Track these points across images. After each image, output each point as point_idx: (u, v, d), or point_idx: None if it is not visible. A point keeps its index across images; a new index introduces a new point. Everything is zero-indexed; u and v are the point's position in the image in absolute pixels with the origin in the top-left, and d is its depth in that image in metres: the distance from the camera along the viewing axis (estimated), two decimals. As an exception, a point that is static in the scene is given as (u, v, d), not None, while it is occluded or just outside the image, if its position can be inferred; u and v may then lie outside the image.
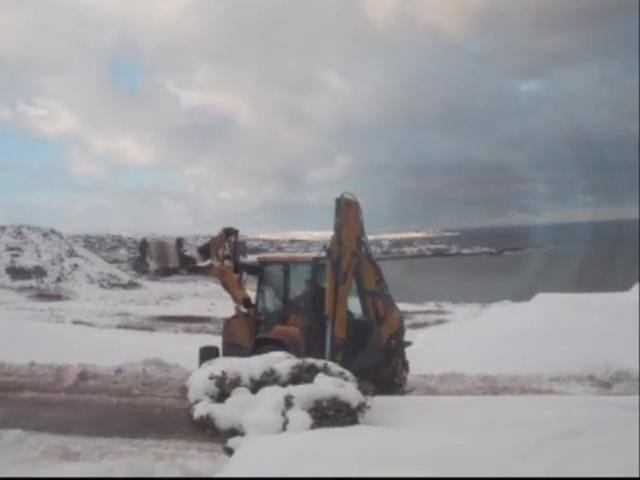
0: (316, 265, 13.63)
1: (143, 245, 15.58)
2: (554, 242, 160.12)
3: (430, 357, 18.14)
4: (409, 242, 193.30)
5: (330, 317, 12.23)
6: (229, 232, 15.15)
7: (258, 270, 14.62)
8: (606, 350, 15.38)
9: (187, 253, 15.40)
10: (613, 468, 4.73)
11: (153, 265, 15.42)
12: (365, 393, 7.99)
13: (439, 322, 42.66)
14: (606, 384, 14.12)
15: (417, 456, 5.54)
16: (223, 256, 14.83)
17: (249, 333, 14.19)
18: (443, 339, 25.39)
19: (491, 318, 30.16)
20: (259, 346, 13.01)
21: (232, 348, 14.10)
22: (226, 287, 14.83)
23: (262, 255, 17.63)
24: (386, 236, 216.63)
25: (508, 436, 5.83)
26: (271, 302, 14.51)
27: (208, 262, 15.15)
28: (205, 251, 15.37)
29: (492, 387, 14.19)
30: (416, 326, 38.76)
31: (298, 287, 14.12)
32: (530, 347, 17.56)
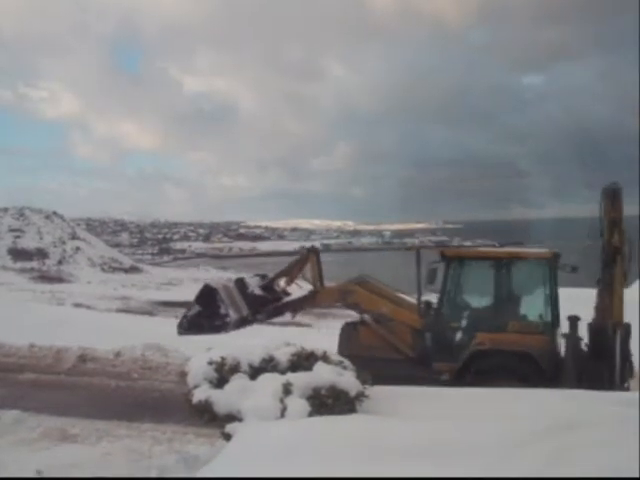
0: (554, 262, 11.98)
1: (207, 292, 11.87)
2: (555, 237, 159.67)
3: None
4: (411, 233, 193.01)
5: (617, 326, 10.93)
6: (314, 251, 12.97)
7: (446, 265, 12.50)
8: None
9: (257, 292, 12.51)
10: (609, 461, 4.75)
11: (234, 315, 11.91)
12: (364, 382, 8.00)
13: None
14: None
15: (413, 447, 5.56)
16: (319, 276, 12.68)
17: (403, 343, 12.06)
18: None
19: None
20: (474, 360, 11.16)
21: (369, 362, 10.46)
22: (356, 306, 12.55)
23: (445, 247, 13.86)
24: (387, 226, 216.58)
25: (506, 428, 5.86)
26: (463, 305, 12.61)
27: (304, 290, 12.69)
28: (269, 288, 12.93)
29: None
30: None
31: (523, 287, 12.39)
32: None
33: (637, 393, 12.08)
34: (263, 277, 13.23)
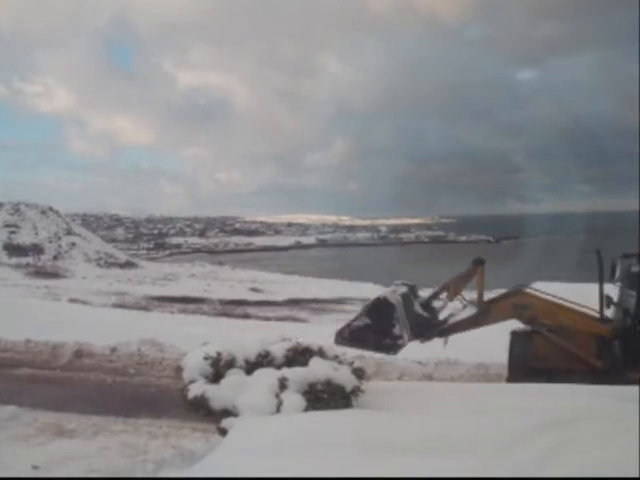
0: None
1: (382, 306, 10.54)
2: (551, 232, 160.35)
3: (425, 343, 18.13)
4: (406, 228, 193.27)
5: None
6: (481, 263, 11.90)
7: None
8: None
9: (420, 312, 11.38)
10: (607, 456, 4.76)
11: (406, 337, 10.77)
12: (359, 377, 8.01)
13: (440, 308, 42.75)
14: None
15: (409, 441, 5.57)
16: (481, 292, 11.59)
17: (587, 352, 10.99)
18: (438, 326, 25.42)
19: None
20: None
21: (547, 374, 10.67)
22: (532, 320, 11.38)
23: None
24: (383, 221, 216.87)
25: (503, 422, 5.87)
26: None
27: (469, 310, 11.61)
28: (428, 304, 11.96)
29: (486, 375, 14.25)
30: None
31: None
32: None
33: (636, 387, 12.13)
34: (411, 287, 12.06)
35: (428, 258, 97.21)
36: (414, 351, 15.47)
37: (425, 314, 11.39)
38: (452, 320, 11.41)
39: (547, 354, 11.10)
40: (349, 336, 10.75)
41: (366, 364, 13.31)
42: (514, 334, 11.65)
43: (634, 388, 10.24)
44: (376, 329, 10.61)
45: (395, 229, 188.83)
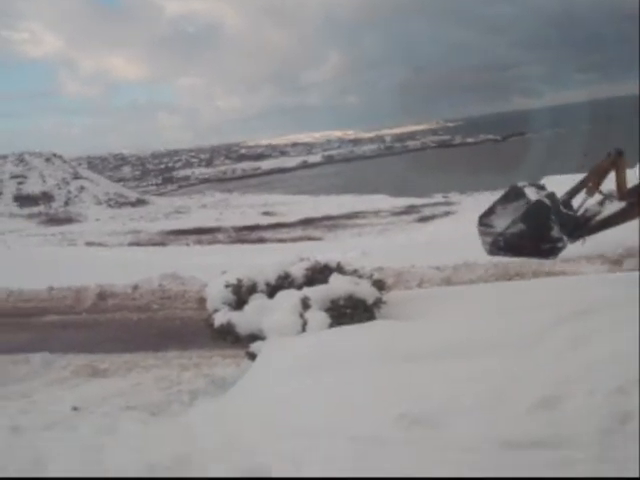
0: None
1: (537, 210, 9.68)
2: (555, 125, 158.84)
3: (441, 248, 18.27)
4: (412, 136, 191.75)
5: None
6: (620, 154, 10.22)
7: None
8: (614, 228, 15.39)
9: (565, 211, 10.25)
10: (624, 345, 4.84)
11: (566, 239, 10.03)
12: (380, 289, 8.11)
13: (447, 214, 42.75)
14: (616, 261, 14.21)
15: (430, 347, 5.67)
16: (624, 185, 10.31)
17: None
18: (452, 230, 25.47)
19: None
20: None
21: None
22: None
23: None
24: (387, 131, 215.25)
25: (520, 320, 5.95)
26: None
27: (617, 204, 10.25)
28: (567, 203, 10.54)
29: (505, 273, 14.30)
30: (425, 219, 38.89)
31: None
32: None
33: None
34: (539, 187, 10.93)
35: (435, 163, 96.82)
36: (430, 258, 15.62)
37: (571, 213, 10.40)
38: (603, 215, 10.28)
39: None
40: (504, 245, 10.08)
41: (385, 275, 13.48)
42: None
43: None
44: (533, 234, 9.98)
45: (400, 138, 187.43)
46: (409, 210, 46.64)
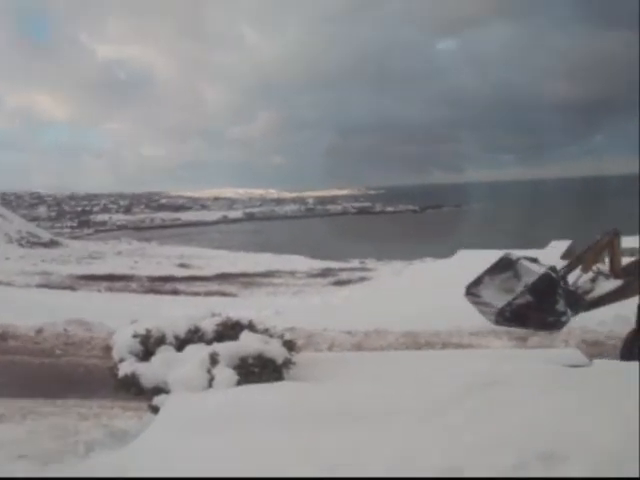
0: None
1: (545, 283, 10.37)
2: (474, 200, 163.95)
3: (354, 314, 18.39)
4: (334, 200, 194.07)
5: None
6: (617, 234, 11.15)
7: None
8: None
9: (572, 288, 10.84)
10: (528, 417, 4.93)
11: (569, 312, 10.49)
12: (290, 349, 8.07)
13: (363, 279, 43.08)
14: (522, 338, 14.59)
15: (343, 410, 5.66)
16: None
17: None
18: (367, 296, 25.70)
19: (414, 275, 30.67)
20: None
21: None
22: None
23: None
24: (310, 193, 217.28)
25: (429, 388, 6.00)
26: None
27: (614, 282, 10.90)
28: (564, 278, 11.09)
29: (415, 342, 14.49)
30: (340, 283, 39.08)
31: None
32: (451, 303, 17.89)
33: (557, 350, 12.52)
34: (532, 259, 11.54)
35: (355, 229, 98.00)
36: (343, 322, 15.71)
37: (571, 288, 10.78)
38: (597, 293, 10.81)
39: None
40: (511, 316, 10.27)
41: (296, 336, 13.46)
42: None
43: (557, 350, 10.55)
44: (539, 307, 10.28)
45: (322, 201, 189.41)
46: (326, 273, 46.89)
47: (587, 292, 10.60)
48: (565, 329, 14.33)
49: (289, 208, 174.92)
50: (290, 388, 6.76)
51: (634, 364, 6.86)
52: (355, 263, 57.20)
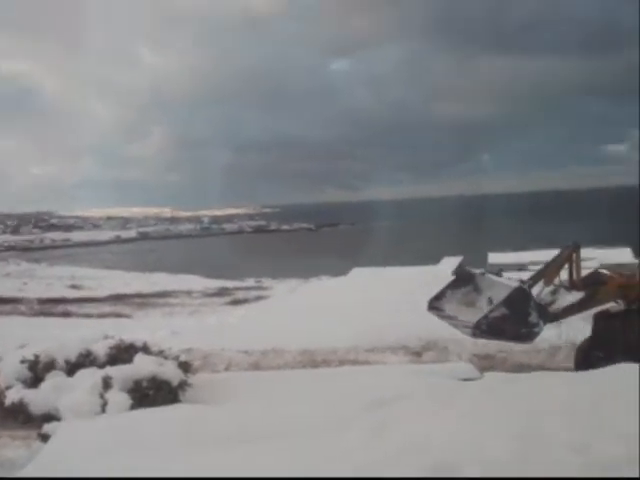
0: None
1: (519, 296, 10.82)
2: (370, 218, 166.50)
3: (251, 333, 18.27)
4: (229, 219, 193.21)
5: None
6: (577, 247, 11.78)
7: None
8: (418, 320, 16.15)
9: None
10: (426, 430, 5.00)
11: (542, 324, 10.91)
12: (186, 371, 7.97)
13: (259, 298, 42.98)
14: (418, 353, 14.84)
15: (235, 431, 5.60)
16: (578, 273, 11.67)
17: None
18: (263, 314, 25.63)
19: (310, 293, 30.78)
20: None
21: None
22: (634, 299, 11.56)
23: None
24: (205, 212, 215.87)
25: (326, 407, 6.02)
26: None
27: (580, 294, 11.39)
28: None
29: (311, 360, 14.50)
30: (237, 302, 38.84)
31: None
32: (347, 320, 18.07)
33: (451, 364, 12.82)
34: (498, 273, 12.21)
35: (250, 248, 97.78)
36: (239, 342, 15.60)
37: (540, 302, 11.16)
38: (560, 305, 11.23)
39: None
40: (487, 328, 10.58)
41: (193, 357, 13.29)
42: (604, 316, 11.82)
43: (451, 364, 10.79)
44: (513, 319, 10.60)
45: (218, 220, 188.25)
46: (222, 292, 46.45)
47: (549, 304, 11.04)
48: (457, 344, 14.82)
49: (184, 227, 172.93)
50: (185, 410, 6.67)
51: (524, 376, 7.11)
52: (251, 282, 57.00)
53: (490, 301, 10.90)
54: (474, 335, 10.79)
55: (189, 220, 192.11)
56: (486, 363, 13.72)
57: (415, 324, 15.92)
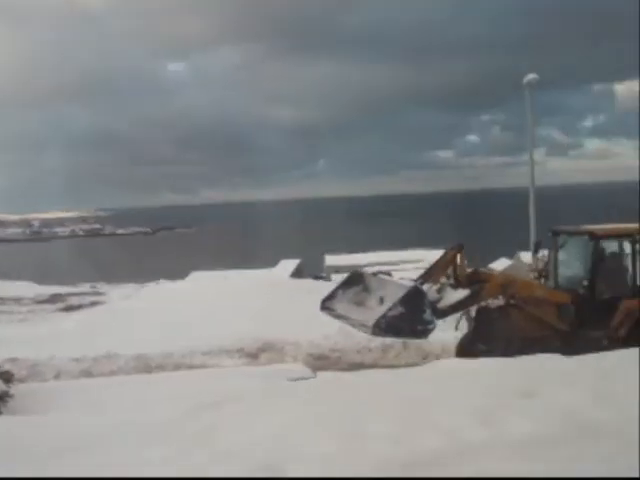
0: None
1: (413, 295, 11.36)
2: (206, 221, 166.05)
3: (84, 339, 17.68)
4: (61, 222, 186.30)
5: None
6: (460, 248, 12.71)
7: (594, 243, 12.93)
8: (254, 324, 16.22)
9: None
10: (255, 431, 5.00)
11: (435, 321, 11.59)
12: (7, 381, 7.60)
13: (94, 304, 41.72)
14: (254, 355, 14.89)
15: (61, 444, 5.38)
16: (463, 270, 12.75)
17: (555, 319, 12.54)
18: (98, 320, 24.86)
19: (146, 297, 30.18)
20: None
21: (521, 342, 11.85)
22: (512, 295, 12.76)
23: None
24: (36, 215, 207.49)
25: (155, 412, 5.91)
26: (611, 277, 13.10)
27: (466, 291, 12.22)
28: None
29: (146, 365, 14.21)
30: (70, 309, 37.51)
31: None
32: (183, 324, 17.85)
33: (284, 365, 12.96)
34: (388, 273, 13.21)
35: (84, 252, 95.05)
36: (71, 349, 15.06)
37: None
38: (448, 302, 11.94)
39: (523, 324, 12.48)
40: (385, 327, 11.06)
41: (19, 367, 12.71)
42: (483, 311, 12.87)
43: (285, 366, 10.87)
44: (410, 317, 11.18)
45: (49, 223, 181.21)
46: (54, 299, 44.67)
47: (436, 302, 11.78)
48: (294, 345, 15.02)
49: (12, 231, 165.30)
50: (5, 423, 6.34)
51: (354, 374, 7.29)
52: (85, 287, 55.15)
53: (381, 300, 11.62)
54: (374, 333, 11.47)
55: (17, 224, 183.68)
56: (321, 363, 14.00)
57: (251, 327, 16.00)
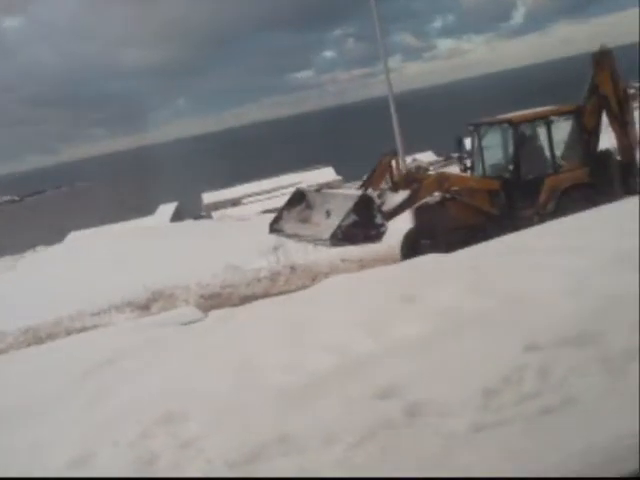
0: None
1: (363, 202, 12.00)
2: (75, 179, 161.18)
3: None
4: None
5: None
6: (392, 154, 13.96)
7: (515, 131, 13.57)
8: (141, 275, 15.97)
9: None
10: (150, 383, 4.99)
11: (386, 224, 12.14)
12: None
13: (-29, 282, 40.22)
14: (145, 306, 14.69)
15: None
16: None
17: (489, 206, 13.42)
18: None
19: (29, 267, 29.22)
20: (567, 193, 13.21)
21: (460, 231, 12.65)
22: (448, 189, 13.35)
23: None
24: None
25: (42, 383, 5.80)
26: (535, 159, 13.90)
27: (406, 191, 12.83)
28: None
29: (36, 337, 13.83)
30: None
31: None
32: (67, 287, 17.39)
33: (174, 311, 12.93)
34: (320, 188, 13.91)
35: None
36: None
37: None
38: (396, 203, 12.57)
39: (460, 215, 13.25)
40: (342, 236, 11.58)
41: None
42: (423, 207, 13.36)
43: (174, 311, 10.80)
44: (363, 223, 11.74)
45: None
46: None
47: (380, 206, 12.27)
48: (184, 290, 14.92)
49: None
50: None
51: (243, 308, 7.34)
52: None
53: (328, 214, 12.29)
54: (333, 245, 12.13)
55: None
56: (213, 302, 13.96)
57: (138, 279, 15.74)
